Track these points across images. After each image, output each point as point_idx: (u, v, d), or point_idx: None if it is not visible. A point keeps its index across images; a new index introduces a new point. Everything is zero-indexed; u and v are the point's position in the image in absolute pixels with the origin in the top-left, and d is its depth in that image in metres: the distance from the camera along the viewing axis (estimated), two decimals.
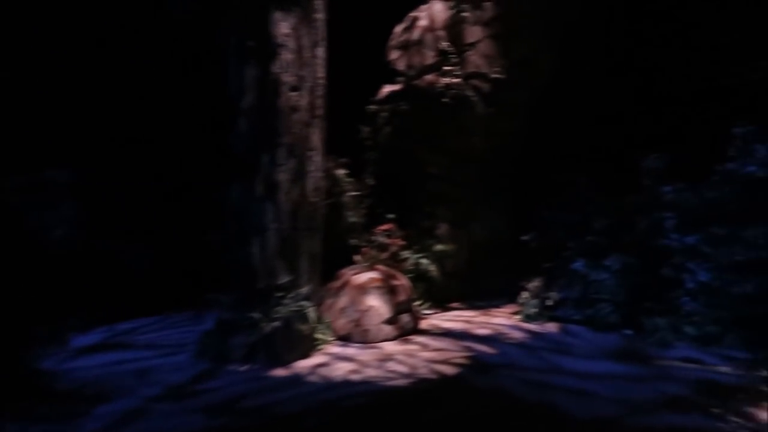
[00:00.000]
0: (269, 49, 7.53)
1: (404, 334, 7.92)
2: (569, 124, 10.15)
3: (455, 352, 7.22)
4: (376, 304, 7.86)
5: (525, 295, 9.10)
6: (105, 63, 9.57)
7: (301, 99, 7.76)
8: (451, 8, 9.69)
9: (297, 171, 7.70)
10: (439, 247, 9.70)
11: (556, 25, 10.04)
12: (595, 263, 8.56)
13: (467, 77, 9.66)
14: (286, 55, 7.60)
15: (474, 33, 9.80)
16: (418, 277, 9.29)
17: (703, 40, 9.25)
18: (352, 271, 8.42)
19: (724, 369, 6.46)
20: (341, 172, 9.28)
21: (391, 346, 7.48)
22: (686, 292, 7.70)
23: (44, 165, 7.30)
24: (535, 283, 9.10)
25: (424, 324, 8.51)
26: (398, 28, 10.30)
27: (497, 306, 9.74)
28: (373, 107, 10.03)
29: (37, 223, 6.38)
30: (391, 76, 10.04)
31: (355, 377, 6.33)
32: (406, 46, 10.11)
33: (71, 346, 6.84)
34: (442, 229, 10.02)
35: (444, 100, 9.48)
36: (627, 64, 10.02)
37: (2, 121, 8.15)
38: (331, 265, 8.37)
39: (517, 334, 8.02)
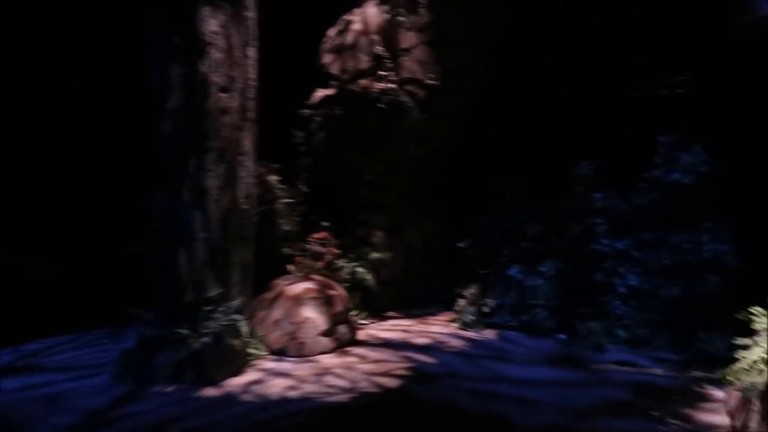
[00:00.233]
0: (197, 46, 7.09)
1: (342, 345, 7.64)
2: (500, 131, 10.27)
3: (395, 363, 7.01)
4: (312, 316, 7.53)
5: (462, 302, 9.06)
6: (11, 58, 8.73)
7: (231, 101, 7.36)
8: (386, 13, 9.54)
9: (227, 177, 7.28)
10: (374, 255, 9.50)
11: (486, 35, 10.15)
12: (530, 269, 8.65)
13: (402, 83, 9.55)
14: (215, 54, 7.19)
15: (409, 38, 9.72)
16: (354, 286, 9.04)
17: (624, 55, 9.63)
18: (286, 282, 8.06)
19: (657, 371, 6.62)
20: (274, 178, 8.89)
21: (328, 359, 7.18)
22: (617, 296, 7.90)
23: None
24: (471, 290, 9.08)
25: (361, 335, 8.26)
26: (331, 31, 10.06)
27: (434, 314, 9.65)
28: (306, 111, 9.72)
29: None
30: (325, 80, 9.78)
31: (292, 394, 5.98)
32: (339, 50, 9.88)
33: None
34: (378, 236, 9.83)
35: (379, 105, 9.31)
36: (552, 75, 10.25)
37: None
38: (263, 275, 7.98)
39: (456, 342, 7.93)
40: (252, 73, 7.71)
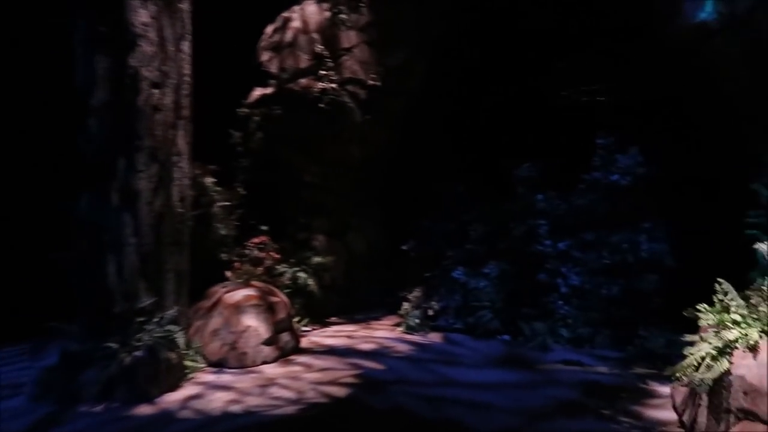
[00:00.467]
0: (126, 37, 6.58)
1: (285, 354, 7.32)
2: (442, 133, 10.25)
3: (342, 370, 6.77)
4: (254, 324, 7.17)
5: (406, 305, 8.93)
6: None
7: (164, 97, 6.90)
8: (327, 11, 9.30)
9: (160, 178, 6.81)
10: (316, 259, 9.21)
11: (428, 36, 10.10)
12: (473, 271, 8.63)
13: (343, 83, 9.33)
14: (146, 47, 6.71)
15: (349, 38, 9.52)
16: (296, 292, 8.72)
17: (562, 60, 9.84)
18: (225, 289, 7.64)
19: (601, 369, 6.73)
20: (210, 180, 8.43)
21: (271, 369, 6.84)
22: (560, 296, 8.00)
23: None
24: (415, 293, 8.98)
25: (304, 342, 7.96)
26: (269, 29, 9.71)
27: (377, 318, 9.48)
28: (244, 111, 9.31)
29: None
30: (263, 78, 9.41)
31: (235, 408, 5.63)
32: (278, 48, 9.55)
33: None
34: (319, 240, 9.56)
35: (320, 105, 9.05)
36: (492, 78, 10.34)
37: None
38: (199, 282, 7.53)
39: (403, 347, 7.78)
40: (186, 68, 7.27)
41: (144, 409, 5.63)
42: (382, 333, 8.55)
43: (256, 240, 8.88)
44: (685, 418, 4.86)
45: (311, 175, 9.50)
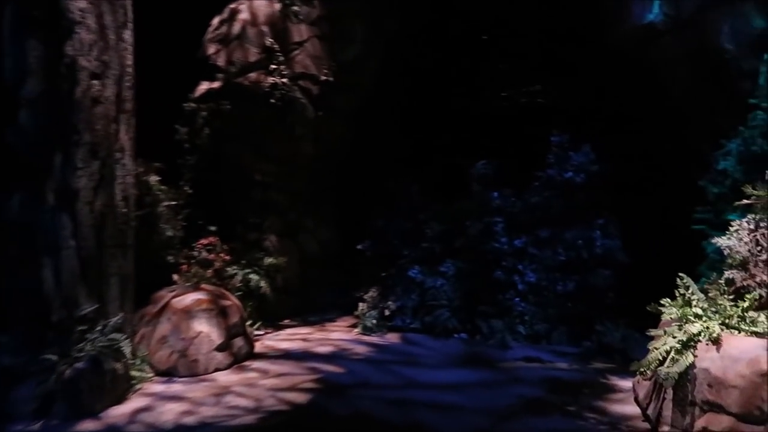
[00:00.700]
0: (61, 24, 6.09)
1: (239, 360, 6.99)
2: (396, 131, 10.13)
3: (300, 375, 6.52)
4: (205, 330, 6.80)
5: (362, 306, 8.74)
6: None
7: (104, 89, 6.43)
8: (277, 2, 8.98)
9: (101, 176, 6.34)
10: (268, 260, 8.88)
11: (380, 32, 9.97)
12: (430, 270, 8.56)
13: (295, 78, 9.04)
14: (85, 35, 6.23)
15: (300, 32, 9.24)
16: (247, 294, 8.37)
17: (515, 59, 9.92)
18: (173, 293, 7.22)
19: (561, 365, 6.77)
20: (154, 178, 7.94)
21: (225, 377, 6.50)
22: (517, 293, 8.03)
23: None
24: (371, 294, 8.81)
25: (258, 346, 7.64)
26: (215, 20, 9.28)
27: (332, 320, 9.24)
28: (190, 105, 8.85)
29: None
30: (210, 71, 8.98)
31: (189, 420, 5.29)
32: (225, 41, 9.14)
33: None
34: (271, 240, 9.22)
35: (271, 101, 8.72)
36: (446, 76, 10.31)
37: None
38: (144, 287, 7.08)
39: (361, 349, 7.59)
40: (128, 58, 6.81)
41: (87, 425, 5.21)
42: (339, 335, 8.33)
43: (204, 241, 8.47)
44: (650, 411, 4.90)
45: (262, 173, 9.15)
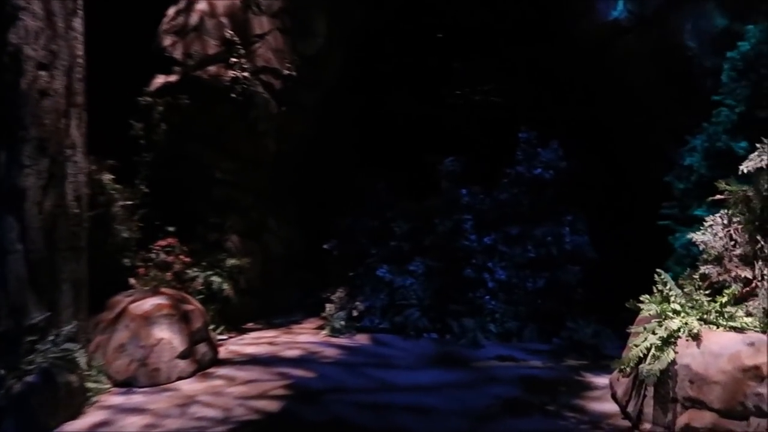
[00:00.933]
0: (4, 9, 5.62)
1: (203, 367, 6.66)
2: (362, 127, 9.92)
3: (270, 381, 6.25)
4: (167, 336, 6.45)
5: (329, 307, 8.51)
6: None
7: (53, 81, 5.99)
8: None
9: (51, 174, 5.89)
10: (231, 261, 8.51)
11: (344, 25, 9.73)
12: (399, 269, 8.41)
13: (257, 72, 8.69)
14: (30, 22, 5.76)
15: (262, 24, 8.90)
16: (210, 297, 8.00)
17: (480, 56, 9.86)
18: (130, 298, 6.82)
19: (535, 363, 6.73)
20: (108, 176, 7.47)
21: (189, 385, 6.17)
22: (487, 291, 7.96)
23: None
24: (339, 294, 8.58)
25: (222, 352, 7.31)
26: (171, 10, 8.82)
27: (298, 322, 8.97)
28: (146, 99, 8.38)
29: None
30: (166, 64, 8.54)
31: None
32: (182, 32, 8.70)
33: None
34: (233, 241, 8.86)
35: (232, 95, 8.37)
36: (411, 71, 10.18)
37: None
38: (99, 292, 6.67)
39: (331, 352, 7.37)
40: (79, 48, 6.37)
41: None
42: (306, 337, 8.08)
43: (162, 242, 8.05)
44: (630, 409, 4.88)
45: (223, 170, 8.77)
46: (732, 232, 4.98)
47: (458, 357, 6.98)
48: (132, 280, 7.40)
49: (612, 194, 8.23)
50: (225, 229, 8.81)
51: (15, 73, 5.66)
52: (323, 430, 4.97)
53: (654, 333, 4.63)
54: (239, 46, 8.62)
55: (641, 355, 4.66)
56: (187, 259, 8.14)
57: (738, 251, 4.91)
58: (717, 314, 4.64)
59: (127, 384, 6.11)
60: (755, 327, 4.50)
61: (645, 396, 4.70)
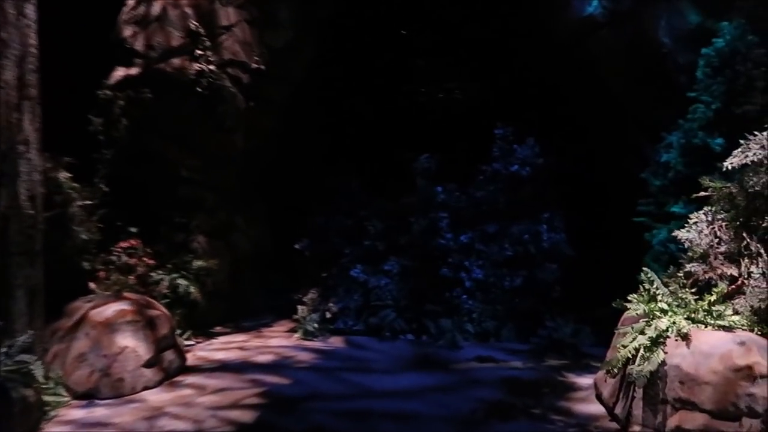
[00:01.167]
0: None
1: (170, 376, 6.32)
2: (333, 123, 9.66)
3: (242, 389, 5.95)
4: (131, 344, 6.09)
5: (302, 309, 8.22)
6: None
7: (3, 71, 5.57)
8: None
9: (1, 173, 5.49)
10: (197, 263, 8.15)
11: (313, 18, 9.43)
12: (374, 269, 8.19)
13: (223, 65, 8.33)
14: None
15: (228, 15, 8.53)
16: (176, 301, 7.64)
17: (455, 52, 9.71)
18: (90, 304, 6.42)
19: (516, 364, 6.61)
20: (65, 175, 7.02)
21: (156, 396, 5.82)
22: (464, 291, 7.82)
23: None
24: (311, 296, 8.30)
25: (190, 358, 6.96)
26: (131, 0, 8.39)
27: (268, 325, 8.66)
28: (105, 93, 7.93)
29: None
30: (127, 56, 8.10)
31: None
32: (143, 22, 8.27)
33: None
34: (199, 241, 8.49)
35: (197, 89, 8.00)
36: (385, 66, 9.96)
37: None
38: (56, 297, 6.24)
39: (305, 356, 7.10)
40: (32, 37, 5.93)
41: None
42: (278, 341, 7.79)
43: (124, 244, 7.66)
44: (618, 411, 4.78)
45: (188, 168, 8.39)
46: (716, 229, 4.92)
47: (437, 359, 6.81)
48: (92, 285, 7.00)
49: (587, 191, 8.18)
50: (191, 229, 8.44)
51: None
52: None
53: (643, 333, 4.53)
54: (205, 38, 8.26)
55: (630, 355, 4.56)
56: (151, 262, 7.77)
57: (722, 248, 4.86)
58: (705, 313, 4.58)
59: (88, 396, 5.74)
60: (743, 325, 4.45)
61: (634, 397, 4.60)
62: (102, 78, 7.94)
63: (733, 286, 4.69)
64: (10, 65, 5.63)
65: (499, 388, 5.75)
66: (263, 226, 9.53)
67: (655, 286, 4.93)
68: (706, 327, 4.51)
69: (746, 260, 4.67)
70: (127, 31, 8.33)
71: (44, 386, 5.41)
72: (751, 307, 4.49)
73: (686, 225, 5.16)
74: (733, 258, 4.79)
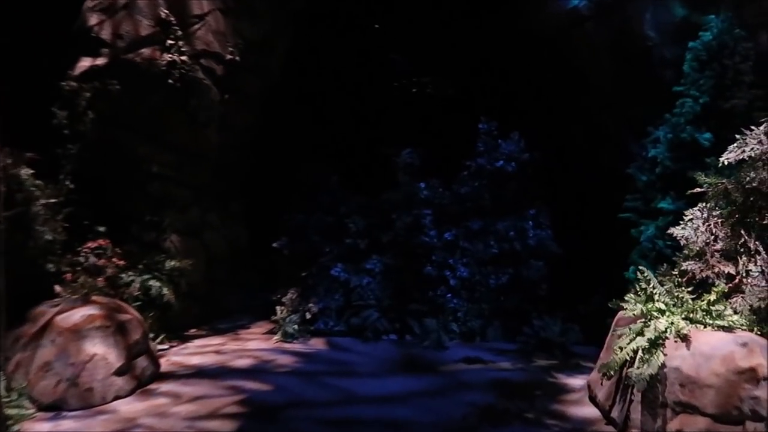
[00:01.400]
0: None
1: (143, 384, 6.00)
2: (311, 117, 9.35)
3: (220, 397, 5.65)
4: (101, 351, 5.74)
5: (280, 310, 7.93)
6: None
7: None
8: None
9: None
10: (170, 263, 7.78)
11: (287, 10, 9.11)
12: (355, 267, 7.95)
13: (196, 56, 7.97)
14: None
15: (201, 4, 8.15)
16: (148, 303, 7.26)
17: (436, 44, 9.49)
18: (56, 309, 6.04)
19: (504, 364, 6.44)
20: (27, 171, 6.59)
21: (129, 406, 5.49)
22: (449, 289, 7.63)
23: None
24: (290, 296, 8.01)
25: (164, 364, 6.63)
26: None
27: (245, 326, 8.35)
28: (70, 85, 7.48)
29: None
30: (93, 45, 7.66)
31: None
32: (110, 10, 7.83)
33: None
34: (172, 241, 8.13)
35: (169, 81, 7.62)
36: (364, 59, 9.69)
37: None
38: (19, 302, 5.83)
39: (285, 359, 6.82)
40: None
41: None
42: (256, 344, 7.49)
43: (92, 244, 7.23)
44: (615, 414, 4.63)
45: (160, 164, 8.01)
46: (712, 226, 4.80)
47: (423, 360, 6.60)
48: (58, 288, 6.58)
49: (570, 186, 8.06)
50: (163, 227, 8.07)
51: None
52: None
53: (642, 334, 4.38)
54: (176, 28, 7.89)
55: (627, 358, 4.41)
56: (121, 262, 7.36)
57: (718, 246, 4.75)
58: (704, 313, 4.45)
59: (54, 408, 5.39)
60: (742, 325, 4.33)
61: (631, 401, 4.46)
62: (66, 69, 7.49)
63: (731, 285, 4.58)
64: None
65: (490, 391, 5.57)
66: (239, 224, 9.21)
67: (651, 285, 4.79)
68: (705, 327, 4.39)
69: (744, 258, 4.56)
70: (93, 19, 7.88)
71: (6, 398, 5.08)
72: (750, 306, 4.38)
73: (681, 222, 5.03)
74: (730, 256, 4.67)
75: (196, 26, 8.12)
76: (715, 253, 4.72)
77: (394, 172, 8.16)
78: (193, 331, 8.10)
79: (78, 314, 5.93)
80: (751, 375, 3.95)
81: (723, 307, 4.45)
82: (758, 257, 4.48)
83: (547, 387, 5.65)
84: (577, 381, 5.73)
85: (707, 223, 4.83)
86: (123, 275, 7.30)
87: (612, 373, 4.58)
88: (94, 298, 6.39)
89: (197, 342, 7.63)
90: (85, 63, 7.75)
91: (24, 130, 6.31)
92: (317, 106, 9.46)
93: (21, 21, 5.99)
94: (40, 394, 5.45)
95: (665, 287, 4.87)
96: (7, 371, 5.38)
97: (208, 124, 8.19)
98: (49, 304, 6.19)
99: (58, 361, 5.58)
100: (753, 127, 4.83)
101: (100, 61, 7.74)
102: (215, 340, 7.71)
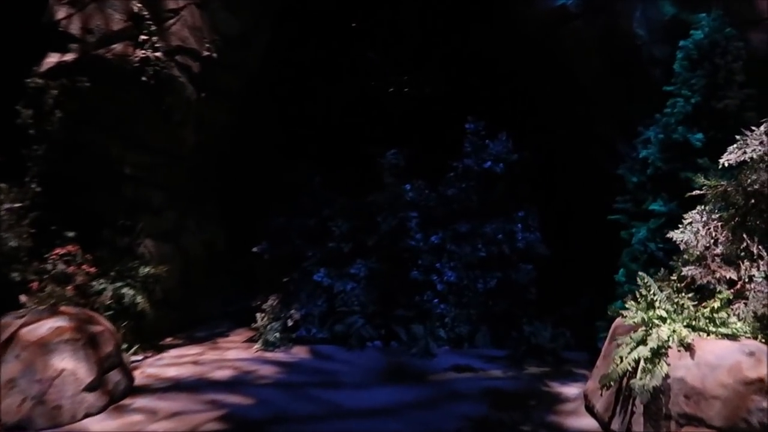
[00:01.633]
0: None
1: (116, 399, 5.67)
2: (292, 116, 9.05)
3: (200, 413, 5.35)
4: (70, 366, 5.40)
5: (261, 317, 7.62)
6: None
7: None
8: None
9: None
10: (144, 269, 7.43)
11: (268, 6, 8.79)
12: (339, 272, 7.67)
13: (171, 52, 7.61)
14: None
15: None
16: (121, 312, 6.91)
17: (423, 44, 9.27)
18: (21, 320, 5.68)
19: (495, 372, 6.25)
20: None
21: (100, 424, 5.18)
22: (436, 294, 7.41)
23: None
24: (271, 302, 7.71)
25: (139, 377, 6.28)
26: None
27: (224, 335, 8.02)
28: (35, 82, 7.07)
29: None
30: (60, 40, 7.26)
31: None
32: (80, 3, 7.43)
33: None
34: (146, 245, 7.77)
35: (143, 79, 7.26)
36: (346, 56, 9.42)
37: None
38: None
39: (267, 370, 6.53)
40: None
41: None
42: (236, 353, 7.19)
43: (60, 250, 6.86)
44: (615, 426, 4.45)
45: (132, 165, 7.65)
46: (712, 230, 4.65)
47: (411, 369, 6.38)
48: (23, 298, 6.19)
49: (558, 188, 7.90)
50: (136, 232, 7.71)
51: None
52: None
53: (644, 343, 4.20)
54: (150, 22, 7.54)
55: (629, 368, 4.23)
56: (92, 270, 6.99)
57: (719, 250, 4.60)
58: (707, 320, 4.29)
59: (19, 428, 5.07)
60: (746, 332, 4.18)
61: (633, 412, 4.28)
62: (31, 65, 7.09)
63: (733, 290, 4.43)
64: None
65: (483, 402, 5.36)
66: (217, 228, 8.87)
67: (652, 291, 4.61)
68: (708, 335, 4.23)
69: (746, 263, 4.41)
70: (61, 13, 7.47)
71: None
72: (755, 313, 4.24)
73: (678, 225, 4.87)
74: (731, 260, 4.53)
75: (171, 21, 7.76)
76: (716, 257, 4.57)
77: (379, 173, 7.90)
78: (168, 340, 7.74)
79: (45, 326, 5.58)
80: (759, 386, 3.80)
81: (726, 314, 4.30)
82: (761, 262, 4.34)
83: (541, 396, 5.47)
84: (571, 389, 5.56)
85: (707, 227, 4.68)
86: (94, 283, 6.93)
87: (612, 383, 4.40)
88: (62, 308, 6.02)
89: (173, 352, 7.28)
90: (52, 59, 7.35)
91: None
92: (299, 104, 9.16)
93: None
94: (4, 414, 5.11)
95: (664, 293, 4.70)
96: None
97: (183, 124, 7.84)
98: (13, 315, 5.82)
99: (24, 378, 5.24)
100: (753, 128, 4.68)
101: (69, 57, 7.35)
102: (192, 350, 7.37)
